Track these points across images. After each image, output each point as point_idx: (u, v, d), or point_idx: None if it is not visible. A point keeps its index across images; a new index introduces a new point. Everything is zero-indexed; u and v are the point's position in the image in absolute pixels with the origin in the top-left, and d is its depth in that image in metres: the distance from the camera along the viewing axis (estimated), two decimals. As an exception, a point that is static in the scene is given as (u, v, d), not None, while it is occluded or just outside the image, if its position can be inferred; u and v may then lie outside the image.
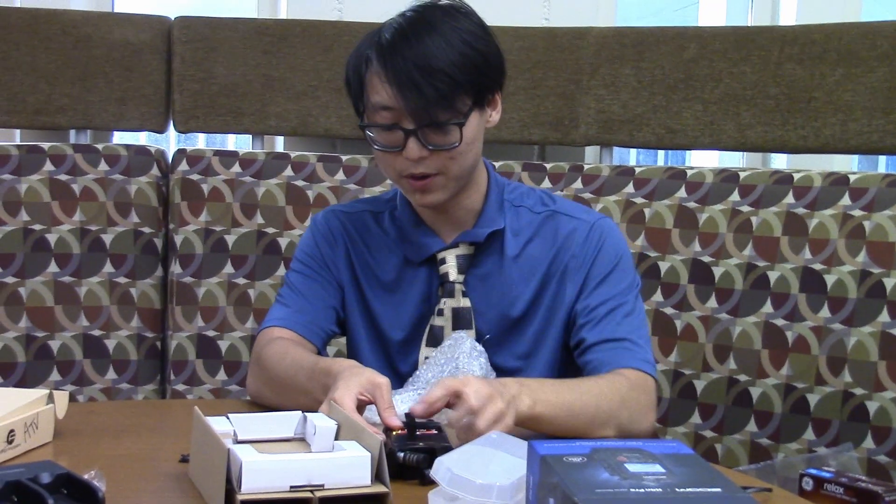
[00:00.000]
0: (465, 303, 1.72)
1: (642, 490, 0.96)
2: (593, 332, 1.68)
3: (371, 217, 1.81)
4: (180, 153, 2.54)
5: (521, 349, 1.74)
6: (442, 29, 1.61)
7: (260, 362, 1.69)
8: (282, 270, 2.46)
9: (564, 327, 1.73)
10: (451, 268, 1.72)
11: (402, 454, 1.28)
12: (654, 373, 1.67)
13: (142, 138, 2.78)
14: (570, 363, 1.74)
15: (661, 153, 4.16)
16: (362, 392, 1.38)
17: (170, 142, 3.30)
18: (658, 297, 2.28)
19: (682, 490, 0.97)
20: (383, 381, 1.40)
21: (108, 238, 2.45)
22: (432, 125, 1.60)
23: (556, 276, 1.73)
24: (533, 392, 1.46)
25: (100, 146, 2.52)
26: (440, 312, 1.72)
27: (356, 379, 1.40)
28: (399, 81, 1.57)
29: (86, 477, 1.16)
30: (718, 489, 0.98)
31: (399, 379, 1.72)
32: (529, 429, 1.47)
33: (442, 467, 1.15)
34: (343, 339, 1.87)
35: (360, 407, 1.38)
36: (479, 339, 1.70)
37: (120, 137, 2.87)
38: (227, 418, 1.33)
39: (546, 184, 2.41)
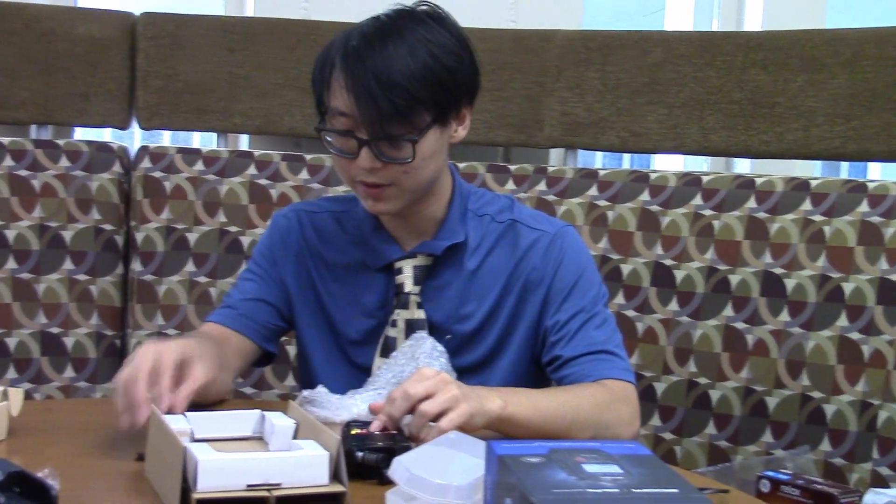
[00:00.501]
0: (420, 314, 1.69)
1: (599, 490, 0.96)
2: (569, 348, 1.66)
3: (333, 217, 1.79)
4: (143, 150, 2.52)
5: (476, 361, 1.72)
6: (409, 38, 1.57)
7: None
8: (244, 269, 2.45)
9: (527, 343, 1.71)
10: (407, 278, 1.70)
11: (360, 453, 1.28)
12: (635, 380, 1.65)
13: (107, 135, 2.76)
14: (530, 378, 1.72)
15: (626, 157, 4.18)
16: (184, 362, 1.43)
17: (135, 139, 3.28)
18: (620, 299, 2.28)
19: (638, 490, 0.97)
20: (200, 373, 1.44)
21: (67, 235, 2.43)
22: (385, 138, 1.57)
23: (516, 289, 1.71)
24: (503, 394, 1.46)
25: (61, 142, 2.50)
26: (394, 323, 1.69)
27: (189, 351, 1.46)
28: (356, 91, 1.54)
29: (39, 475, 1.14)
30: (675, 490, 0.98)
31: (356, 370, 1.71)
32: (503, 433, 1.46)
33: (400, 467, 1.15)
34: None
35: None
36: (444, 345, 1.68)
37: (84, 134, 2.85)
38: (184, 416, 1.32)
39: (510, 185, 2.41)
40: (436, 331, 1.69)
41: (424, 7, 1.64)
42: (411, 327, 1.68)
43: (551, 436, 1.48)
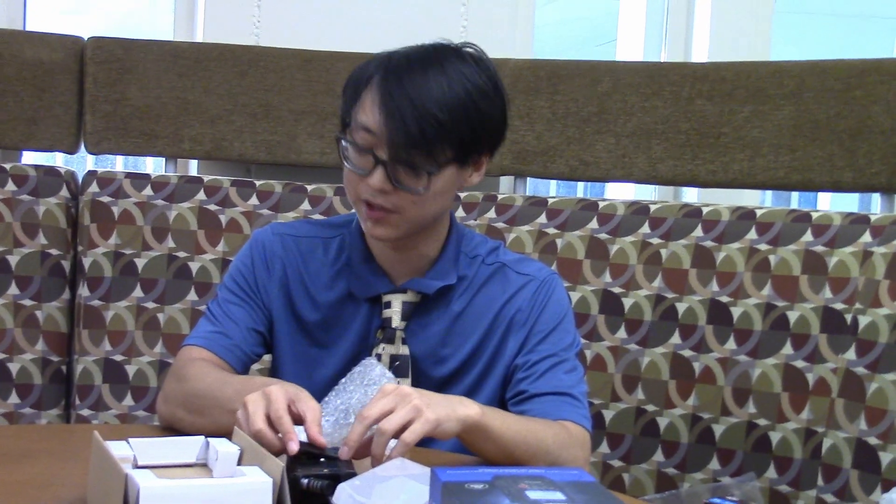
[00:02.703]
0: (404, 350, 1.69)
1: (541, 517, 0.96)
2: (535, 385, 1.67)
3: (319, 242, 1.77)
4: (90, 175, 2.50)
5: None
6: (449, 71, 1.57)
7: (179, 379, 1.65)
8: (192, 295, 2.44)
9: (502, 382, 1.72)
10: (395, 313, 1.69)
11: (305, 480, 1.27)
12: (591, 430, 1.67)
13: (58, 160, 2.74)
14: None
15: (580, 185, 4.21)
16: (292, 401, 1.38)
17: (87, 164, 3.25)
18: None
19: (580, 517, 0.97)
20: (315, 403, 1.40)
21: (13, 259, 2.40)
22: (405, 163, 1.56)
23: (500, 331, 1.72)
24: (482, 406, 1.46)
25: (7, 165, 2.47)
26: (378, 357, 1.68)
27: (294, 389, 1.41)
28: (388, 110, 1.54)
29: (-22, 502, 1.13)
30: (617, 516, 0.98)
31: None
32: (470, 446, 1.47)
33: (344, 493, 1.15)
34: (267, 357, 1.84)
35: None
36: (415, 385, 1.67)
37: (33, 158, 2.82)
38: (127, 443, 1.31)
39: (460, 213, 2.42)
40: (416, 367, 1.70)
41: (470, 49, 1.64)
42: (395, 363, 1.67)
43: (514, 459, 1.49)
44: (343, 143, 1.62)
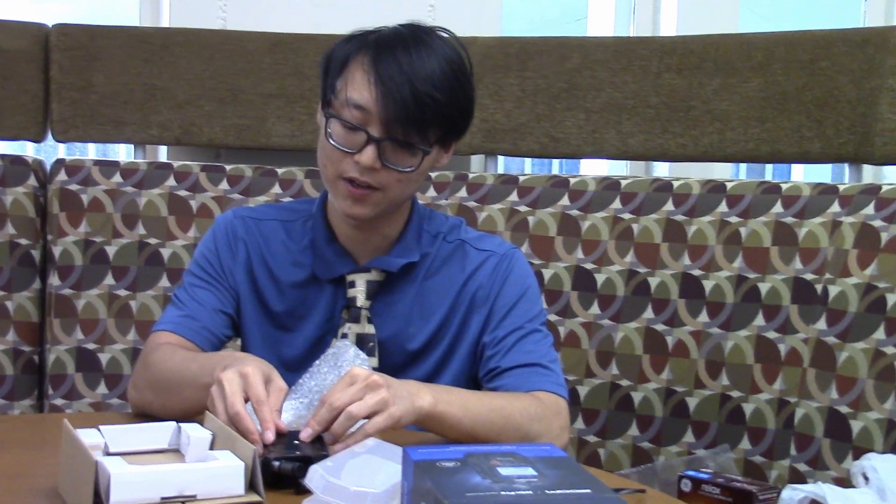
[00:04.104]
0: (370, 329, 1.69)
1: (513, 493, 0.96)
2: (505, 360, 1.67)
3: (281, 226, 1.76)
4: (59, 163, 2.48)
5: (418, 379, 1.71)
6: (439, 53, 1.58)
7: (147, 364, 1.65)
8: (165, 282, 2.43)
9: (468, 359, 1.72)
10: (359, 292, 1.69)
11: (276, 462, 1.27)
12: (567, 396, 1.67)
13: (29, 148, 2.72)
14: None
15: (555, 163, 4.20)
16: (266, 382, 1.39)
17: (58, 153, 3.22)
18: (543, 303, 2.29)
19: (551, 492, 0.97)
20: (283, 385, 1.41)
21: (-18, 250, 2.39)
22: (398, 142, 1.57)
23: (463, 307, 1.72)
24: (436, 392, 1.46)
25: (-27, 156, 2.45)
26: (343, 336, 1.68)
27: (267, 368, 1.41)
28: (386, 87, 1.54)
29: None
30: (588, 490, 0.98)
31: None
32: (433, 431, 1.47)
33: (316, 475, 1.14)
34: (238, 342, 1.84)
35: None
36: (382, 368, 1.67)
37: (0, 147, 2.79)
38: (98, 430, 1.30)
39: (431, 193, 2.41)
40: (383, 346, 1.69)
41: (445, 33, 1.65)
42: (361, 342, 1.67)
43: (480, 439, 1.49)
44: (330, 121, 1.61)
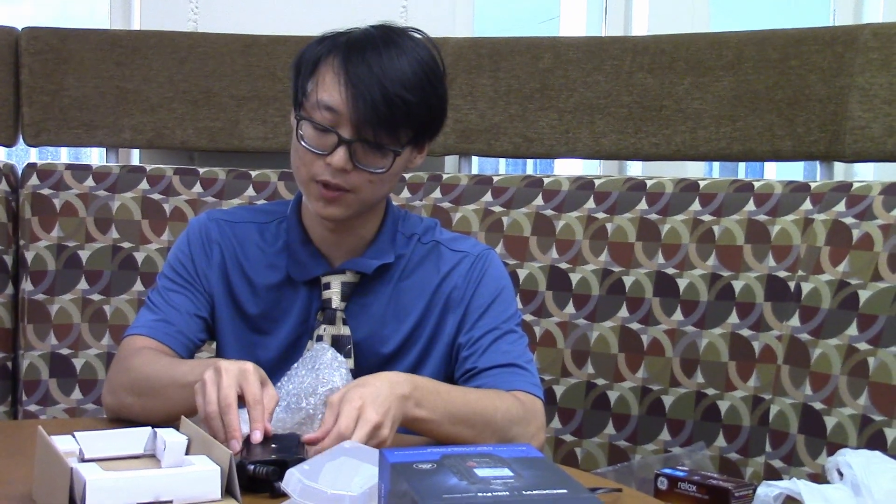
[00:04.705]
0: (346, 331, 1.69)
1: (489, 494, 0.96)
2: (481, 360, 1.67)
3: (255, 228, 1.76)
4: (30, 167, 2.47)
5: None
6: (410, 54, 1.58)
7: (127, 368, 1.63)
8: (139, 286, 2.42)
9: (444, 360, 1.72)
10: (334, 294, 1.69)
11: (251, 466, 1.26)
12: (543, 396, 1.67)
13: (1, 154, 2.69)
14: None
15: (529, 163, 4.20)
16: (262, 381, 1.40)
17: (29, 156, 3.20)
18: (517, 304, 2.30)
19: (528, 493, 0.97)
20: (275, 394, 1.41)
21: (-46, 256, 2.37)
22: (369, 143, 1.57)
23: (438, 308, 1.72)
24: (421, 394, 1.46)
25: (-56, 161, 2.44)
26: (319, 338, 1.68)
27: (262, 372, 1.43)
28: (356, 89, 1.54)
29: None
30: (564, 490, 0.98)
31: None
32: (415, 430, 1.48)
33: (293, 479, 1.14)
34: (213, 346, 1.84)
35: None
36: (357, 370, 1.67)
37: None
38: (73, 436, 1.30)
39: (405, 194, 2.41)
40: (359, 348, 1.69)
41: (417, 34, 1.64)
42: (336, 343, 1.66)
43: (459, 440, 1.50)
44: (301, 123, 1.61)
